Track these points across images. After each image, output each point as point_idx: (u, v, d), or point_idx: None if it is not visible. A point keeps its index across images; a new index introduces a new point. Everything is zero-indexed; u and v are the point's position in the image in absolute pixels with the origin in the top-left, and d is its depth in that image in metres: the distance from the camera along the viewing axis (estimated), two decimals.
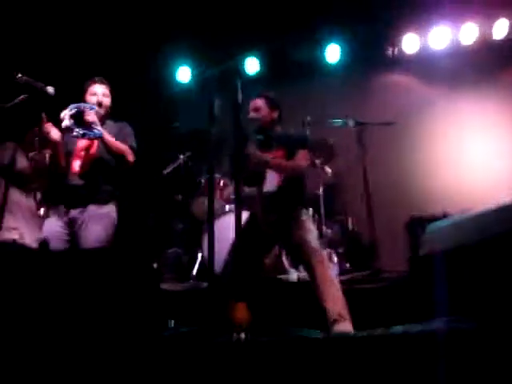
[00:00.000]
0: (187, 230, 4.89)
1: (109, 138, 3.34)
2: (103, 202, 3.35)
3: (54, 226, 3.31)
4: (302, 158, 3.38)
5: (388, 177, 5.51)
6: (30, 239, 3.71)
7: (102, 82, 3.53)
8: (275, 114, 3.52)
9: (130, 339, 2.03)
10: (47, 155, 3.43)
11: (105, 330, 2.09)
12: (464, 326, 1.67)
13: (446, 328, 1.60)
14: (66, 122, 3.22)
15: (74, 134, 3.24)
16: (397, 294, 3.70)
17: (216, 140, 2.94)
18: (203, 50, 6.04)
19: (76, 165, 3.37)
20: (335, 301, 3.02)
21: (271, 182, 3.39)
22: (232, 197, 4.75)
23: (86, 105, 3.37)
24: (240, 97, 2.74)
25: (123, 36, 5.77)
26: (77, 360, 1.74)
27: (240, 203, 2.82)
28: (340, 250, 5.03)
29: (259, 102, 3.50)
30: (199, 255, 4.56)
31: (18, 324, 2.13)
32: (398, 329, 1.90)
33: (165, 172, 4.93)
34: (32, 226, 3.75)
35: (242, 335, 2.69)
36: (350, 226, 5.39)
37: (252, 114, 3.48)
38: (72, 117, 3.23)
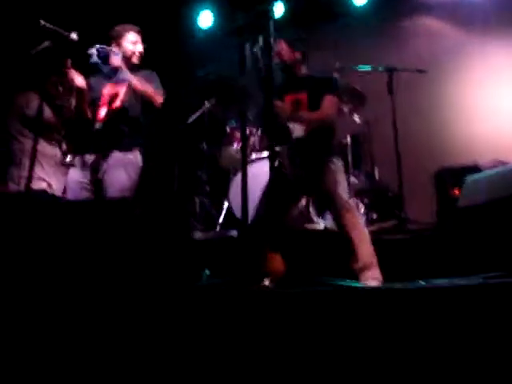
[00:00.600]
0: (213, 179, 4.86)
1: (136, 82, 3.31)
2: (127, 148, 3.33)
3: (77, 175, 3.31)
4: (329, 106, 3.28)
5: (418, 126, 5.36)
6: (57, 188, 3.74)
7: (139, 32, 3.49)
8: (298, 55, 3.39)
9: (163, 290, 2.03)
10: (72, 103, 3.39)
11: (136, 280, 2.10)
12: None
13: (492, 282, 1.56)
14: (95, 59, 3.18)
15: (103, 71, 3.21)
16: (425, 245, 3.66)
17: (246, 88, 2.86)
18: None
19: (102, 112, 3.32)
20: (364, 248, 3.02)
21: (298, 130, 3.29)
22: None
23: (111, 48, 3.32)
24: (273, 41, 2.64)
25: None
26: (104, 311, 1.74)
27: (274, 155, 2.76)
28: (367, 200, 4.98)
29: (280, 46, 3.37)
30: (225, 204, 4.55)
31: (42, 271, 2.15)
32: (443, 282, 1.87)
33: (190, 120, 4.87)
34: (58, 176, 3.78)
35: (273, 284, 2.71)
36: (378, 176, 5.31)
37: (275, 60, 3.28)
38: (99, 56, 3.19)
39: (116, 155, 3.28)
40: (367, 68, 4.97)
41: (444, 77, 5.54)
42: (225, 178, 4.59)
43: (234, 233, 4.06)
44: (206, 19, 6.38)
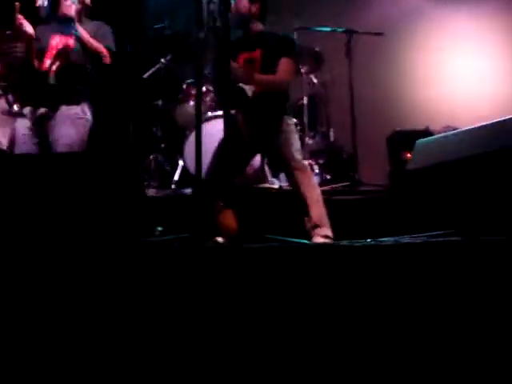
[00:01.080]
0: (168, 136, 4.80)
1: (85, 35, 3.20)
2: (76, 102, 3.24)
3: (23, 128, 3.22)
4: (286, 69, 3.17)
5: (374, 89, 5.41)
6: (2, 139, 3.61)
7: None
8: (254, 8, 3.23)
9: (115, 246, 2.02)
10: (19, 51, 3.25)
11: (86, 237, 2.08)
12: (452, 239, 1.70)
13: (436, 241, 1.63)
14: (44, 2, 3.05)
15: (51, 19, 3.10)
16: (376, 206, 3.76)
17: (202, 44, 2.80)
18: None
19: (49, 63, 3.23)
20: (316, 208, 3.07)
21: (249, 91, 3.14)
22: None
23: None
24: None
25: None
26: (52, 267, 1.71)
27: (227, 114, 2.73)
28: (321, 161, 5.04)
29: None
30: (180, 162, 4.52)
31: None
32: (389, 240, 1.94)
33: (145, 75, 4.75)
34: (4, 126, 3.64)
35: (226, 241, 2.73)
36: (333, 138, 5.36)
37: (232, 13, 3.10)
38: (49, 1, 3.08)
39: (64, 109, 3.20)
40: (326, 29, 4.95)
41: (401, 41, 5.60)
42: (180, 136, 4.54)
43: (189, 191, 4.05)
44: None
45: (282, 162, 3.29)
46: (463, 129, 2.28)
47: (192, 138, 4.33)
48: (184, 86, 4.78)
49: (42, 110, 3.20)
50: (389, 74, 5.61)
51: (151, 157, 4.61)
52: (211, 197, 2.94)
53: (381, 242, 1.90)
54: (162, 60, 4.77)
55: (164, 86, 4.80)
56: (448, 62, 5.66)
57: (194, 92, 4.62)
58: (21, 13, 3.09)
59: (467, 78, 5.59)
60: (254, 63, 3.21)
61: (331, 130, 5.36)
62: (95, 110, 3.38)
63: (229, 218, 2.47)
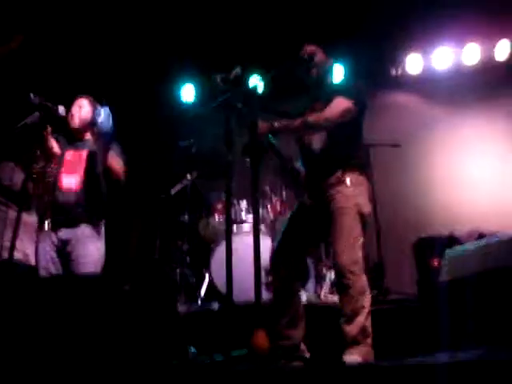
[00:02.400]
0: (194, 250, 4.86)
1: (100, 153, 3.27)
2: (95, 221, 3.29)
3: (45, 247, 3.23)
4: (337, 105, 2.82)
5: (394, 197, 5.50)
6: (32, 256, 3.65)
7: (80, 97, 3.52)
8: (330, 62, 3.22)
9: (150, 368, 1.99)
10: (51, 170, 3.38)
11: (121, 362, 2.05)
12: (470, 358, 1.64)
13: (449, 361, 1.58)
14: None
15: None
16: (406, 316, 3.67)
17: (231, 160, 2.87)
18: (207, 68, 6.05)
19: (66, 181, 3.30)
20: (359, 317, 2.66)
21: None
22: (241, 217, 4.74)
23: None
24: (257, 116, 2.69)
25: (128, 56, 5.78)
26: None
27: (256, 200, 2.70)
28: None
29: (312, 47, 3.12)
30: (206, 276, 4.53)
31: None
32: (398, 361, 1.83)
33: (172, 192, 4.91)
34: (32, 242, 3.69)
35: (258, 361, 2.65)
36: None
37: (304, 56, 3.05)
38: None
39: (84, 228, 3.22)
40: None
41: (415, 149, 5.75)
42: (206, 250, 4.59)
43: (216, 306, 4.03)
44: (188, 93, 6.55)
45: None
46: (492, 240, 2.29)
47: (218, 251, 4.39)
48: (209, 201, 4.92)
49: (64, 230, 3.22)
50: (407, 182, 5.73)
51: (177, 271, 4.63)
52: (241, 315, 2.85)
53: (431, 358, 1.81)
54: (188, 176, 4.95)
55: (190, 201, 4.94)
56: (467, 166, 5.77)
57: (218, 206, 4.75)
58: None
59: (486, 180, 5.66)
60: None
61: None
62: (118, 227, 3.43)
63: (261, 338, 2.42)
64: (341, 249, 2.75)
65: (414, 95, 6.32)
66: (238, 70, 2.81)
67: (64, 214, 3.21)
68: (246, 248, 4.24)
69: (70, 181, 3.28)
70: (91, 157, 3.29)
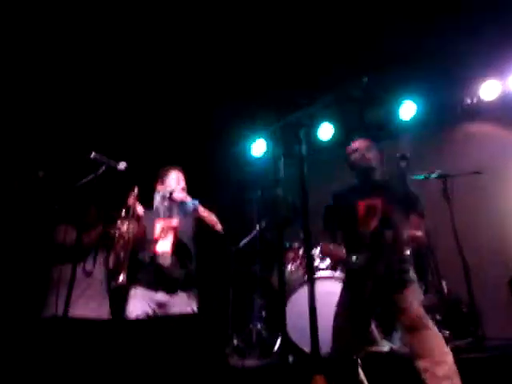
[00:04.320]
0: (267, 303, 4.66)
1: (202, 209, 3.44)
2: (191, 286, 3.37)
3: (141, 307, 3.27)
4: (421, 225, 3.07)
5: (480, 231, 5.05)
6: (104, 312, 3.65)
7: (176, 168, 3.71)
8: (377, 159, 3.30)
9: None
10: (132, 229, 3.42)
11: None
12: None
13: None
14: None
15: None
16: (505, 365, 3.23)
17: (282, 203, 2.78)
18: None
19: (162, 245, 3.40)
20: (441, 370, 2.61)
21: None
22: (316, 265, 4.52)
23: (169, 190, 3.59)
24: (304, 148, 2.56)
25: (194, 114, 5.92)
26: None
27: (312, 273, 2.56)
28: (438, 317, 4.56)
29: (363, 143, 3.28)
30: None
31: None
32: None
33: (241, 244, 4.81)
34: (100, 299, 3.70)
35: None
36: (446, 290, 4.90)
37: (356, 155, 3.23)
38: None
39: (181, 294, 3.31)
40: (420, 177, 4.83)
41: (498, 179, 5.34)
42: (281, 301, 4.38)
43: (290, 359, 3.77)
44: (259, 148, 6.59)
45: (402, 320, 2.88)
46: None
47: (290, 302, 4.16)
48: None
49: (162, 294, 3.28)
50: (493, 212, 5.27)
51: (251, 326, 4.43)
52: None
53: None
54: (257, 226, 4.83)
55: (260, 252, 4.80)
56: None
57: (289, 256, 4.57)
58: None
59: None
60: (375, 211, 3.10)
61: (443, 281, 4.92)
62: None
63: None
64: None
65: (492, 123, 5.91)
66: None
67: (161, 276, 3.29)
68: (320, 296, 4.04)
69: (163, 246, 3.40)
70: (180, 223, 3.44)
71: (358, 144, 3.28)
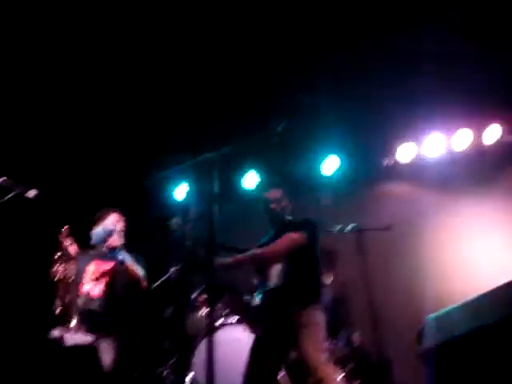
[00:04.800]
0: (176, 348, 4.50)
1: (129, 263, 3.41)
2: (124, 331, 3.33)
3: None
4: (284, 240, 3.18)
5: (391, 284, 5.21)
6: None
7: (115, 211, 3.71)
8: (288, 204, 3.49)
9: None
10: (70, 272, 3.31)
11: None
12: None
13: None
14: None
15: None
16: None
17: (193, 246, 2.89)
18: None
19: (87, 288, 3.34)
20: None
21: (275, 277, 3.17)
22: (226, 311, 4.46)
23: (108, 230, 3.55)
24: (216, 187, 2.59)
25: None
26: None
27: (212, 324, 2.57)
28: (347, 369, 4.57)
29: (278, 193, 3.46)
30: (189, 376, 4.14)
31: None
32: None
33: (154, 285, 4.67)
34: None
35: None
36: (358, 341, 4.95)
37: (273, 206, 3.40)
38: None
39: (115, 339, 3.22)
40: (336, 229, 4.96)
41: (408, 237, 5.59)
42: (190, 346, 4.25)
43: None
44: (181, 192, 6.57)
45: (300, 369, 2.91)
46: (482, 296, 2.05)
47: (200, 348, 4.06)
48: (193, 296, 4.65)
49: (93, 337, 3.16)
50: (403, 268, 5.49)
51: (158, 371, 4.25)
52: None
53: None
54: (172, 269, 4.72)
55: (173, 296, 4.68)
56: (468, 251, 5.49)
57: (201, 300, 4.50)
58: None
59: (491, 266, 5.32)
60: None
61: (356, 333, 4.97)
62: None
63: None
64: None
65: (407, 184, 6.26)
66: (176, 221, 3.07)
67: (88, 320, 3.21)
68: (230, 342, 3.98)
69: (92, 289, 3.34)
70: (118, 269, 3.41)
71: (274, 194, 3.46)
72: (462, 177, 5.76)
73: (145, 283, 3.47)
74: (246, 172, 6.36)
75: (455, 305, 2.14)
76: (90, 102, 5.35)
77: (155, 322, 4.70)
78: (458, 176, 5.76)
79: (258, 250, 3.21)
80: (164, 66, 5.20)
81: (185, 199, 6.42)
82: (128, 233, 3.74)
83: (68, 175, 5.52)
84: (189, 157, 2.78)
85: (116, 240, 3.42)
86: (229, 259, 3.10)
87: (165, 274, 4.73)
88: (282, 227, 3.33)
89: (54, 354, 2.60)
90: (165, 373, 4.27)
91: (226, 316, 4.37)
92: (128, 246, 3.68)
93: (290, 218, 3.49)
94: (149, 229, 5.87)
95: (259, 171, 6.38)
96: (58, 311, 3.28)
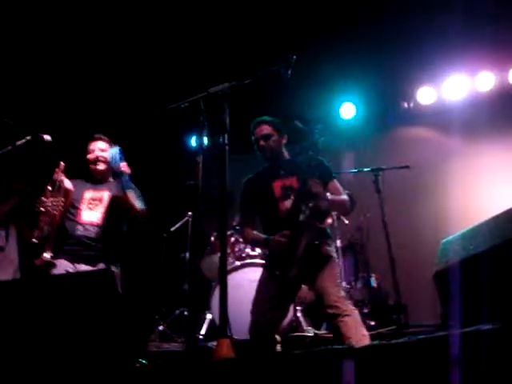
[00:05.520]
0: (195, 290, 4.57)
1: (132, 192, 3.27)
2: (113, 262, 3.23)
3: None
4: (342, 190, 3.11)
5: (409, 228, 5.19)
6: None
7: (99, 139, 3.49)
8: (285, 140, 3.28)
9: None
10: (59, 205, 3.28)
11: None
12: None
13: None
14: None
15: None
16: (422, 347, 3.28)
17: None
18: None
19: (85, 215, 3.28)
20: None
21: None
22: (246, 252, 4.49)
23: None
24: (227, 119, 2.52)
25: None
26: None
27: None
28: (365, 310, 4.62)
29: (267, 129, 3.21)
30: (208, 316, 4.23)
31: None
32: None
33: (172, 229, 4.73)
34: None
35: None
36: (375, 284, 4.97)
37: (262, 143, 3.19)
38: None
39: (101, 267, 3.16)
40: (353, 171, 4.92)
41: (433, 179, 5.53)
42: (207, 288, 4.32)
43: (215, 344, 3.69)
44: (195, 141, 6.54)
45: (323, 303, 2.85)
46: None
47: (218, 290, 4.10)
48: (212, 239, 4.69)
49: (82, 266, 3.15)
50: (425, 212, 5.42)
51: (177, 312, 4.35)
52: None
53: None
54: (189, 213, 4.76)
55: (191, 239, 4.73)
56: (485, 196, 5.37)
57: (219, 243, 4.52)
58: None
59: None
60: (292, 190, 3.08)
61: (372, 275, 4.99)
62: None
63: (226, 349, 2.13)
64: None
65: (427, 127, 6.11)
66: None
67: (83, 247, 3.18)
68: (250, 284, 4.01)
69: (91, 216, 3.27)
70: (113, 199, 3.31)
71: (265, 129, 3.23)
72: (485, 120, 5.55)
73: (143, 216, 3.33)
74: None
75: (475, 224, 2.09)
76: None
77: (174, 264, 4.78)
78: (481, 119, 5.56)
79: (344, 198, 3.12)
80: None
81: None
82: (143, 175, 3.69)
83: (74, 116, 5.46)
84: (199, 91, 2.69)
85: (126, 166, 3.26)
86: (329, 198, 2.93)
87: (182, 218, 4.79)
88: (300, 168, 3.09)
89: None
90: (184, 311, 4.37)
91: (244, 258, 4.39)
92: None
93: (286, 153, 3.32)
94: (165, 174, 5.88)
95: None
96: (34, 241, 3.31)
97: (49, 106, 5.19)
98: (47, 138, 3.24)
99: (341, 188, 3.14)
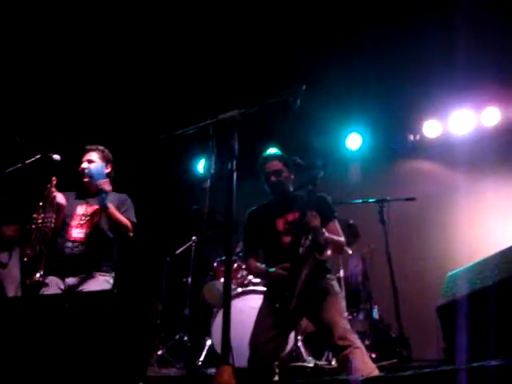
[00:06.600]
0: (196, 315, 4.55)
1: (112, 208, 3.24)
2: (105, 270, 3.23)
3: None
4: (340, 230, 3.09)
5: (412, 257, 5.15)
6: None
7: (90, 150, 3.47)
8: (293, 176, 3.30)
9: None
10: (50, 221, 3.27)
11: None
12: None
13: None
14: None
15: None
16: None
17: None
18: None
19: (75, 232, 3.25)
20: None
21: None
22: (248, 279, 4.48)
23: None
24: (236, 146, 2.54)
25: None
26: None
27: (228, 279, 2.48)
28: (367, 342, 4.56)
29: (278, 165, 3.24)
30: (208, 341, 4.19)
31: None
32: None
33: (177, 252, 4.72)
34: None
35: None
36: (378, 316, 4.93)
37: (273, 179, 3.21)
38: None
39: (94, 273, 3.15)
40: (357, 201, 4.93)
41: (438, 212, 5.52)
42: (208, 314, 4.29)
43: (213, 371, 3.65)
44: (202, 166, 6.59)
45: (326, 332, 2.83)
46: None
47: (220, 316, 4.08)
48: (214, 264, 4.67)
49: (72, 279, 3.13)
50: (425, 245, 5.40)
51: (177, 336, 4.31)
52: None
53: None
54: (194, 237, 4.76)
55: (194, 264, 4.71)
56: (491, 228, 5.36)
57: (223, 269, 4.51)
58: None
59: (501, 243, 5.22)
60: (294, 224, 3.05)
61: (375, 306, 4.95)
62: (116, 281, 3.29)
63: (227, 376, 2.09)
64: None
65: (432, 160, 6.14)
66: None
67: (72, 263, 3.15)
68: (251, 311, 3.98)
69: (80, 233, 3.25)
70: (100, 212, 3.27)
71: (276, 165, 3.25)
72: (490, 155, 5.59)
73: (130, 231, 3.29)
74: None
75: (481, 258, 2.10)
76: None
77: (175, 288, 4.75)
78: (487, 153, 5.60)
79: (339, 239, 3.08)
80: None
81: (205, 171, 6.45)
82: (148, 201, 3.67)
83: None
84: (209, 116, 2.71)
85: (107, 183, 3.24)
86: (325, 235, 2.88)
87: (186, 243, 4.78)
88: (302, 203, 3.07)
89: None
90: (184, 336, 4.33)
91: (247, 285, 4.37)
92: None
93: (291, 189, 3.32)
94: (171, 198, 5.90)
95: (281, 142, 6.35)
96: (25, 259, 3.21)
97: (63, 129, 5.24)
98: (56, 157, 3.29)
99: (340, 230, 3.12)
